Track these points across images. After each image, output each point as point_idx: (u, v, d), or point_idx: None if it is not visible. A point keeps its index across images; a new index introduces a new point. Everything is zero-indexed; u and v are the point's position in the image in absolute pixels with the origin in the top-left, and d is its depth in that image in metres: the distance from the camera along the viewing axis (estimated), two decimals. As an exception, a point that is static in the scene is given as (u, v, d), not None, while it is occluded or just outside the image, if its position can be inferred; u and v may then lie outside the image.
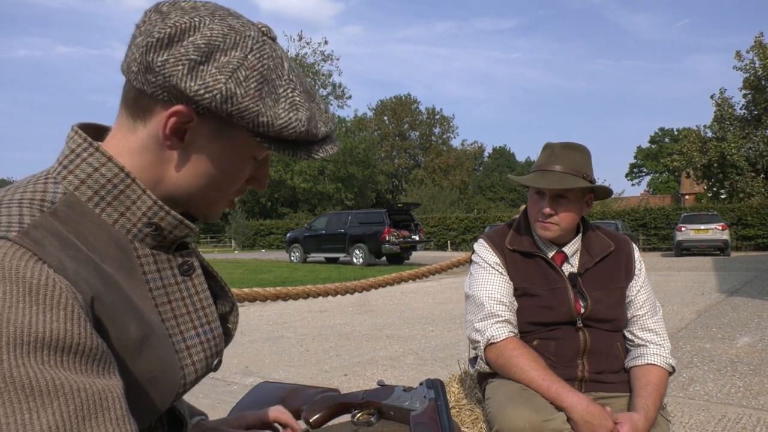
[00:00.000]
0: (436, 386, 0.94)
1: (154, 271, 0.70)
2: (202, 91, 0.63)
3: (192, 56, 0.62)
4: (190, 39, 0.63)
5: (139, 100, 0.66)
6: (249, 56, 0.65)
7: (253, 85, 0.65)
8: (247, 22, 0.68)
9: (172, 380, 0.68)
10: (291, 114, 0.67)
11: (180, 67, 0.62)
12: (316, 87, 44.28)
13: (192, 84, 0.63)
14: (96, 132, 0.72)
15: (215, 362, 0.77)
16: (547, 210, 1.56)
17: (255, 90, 0.65)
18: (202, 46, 0.63)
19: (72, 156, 0.67)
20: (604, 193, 1.67)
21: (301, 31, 75.63)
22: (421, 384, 0.97)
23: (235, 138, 0.69)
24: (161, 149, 0.68)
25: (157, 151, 0.68)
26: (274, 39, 0.70)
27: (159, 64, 0.62)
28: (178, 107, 0.64)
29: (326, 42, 60.67)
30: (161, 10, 0.65)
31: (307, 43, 53.85)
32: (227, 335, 0.83)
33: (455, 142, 61.97)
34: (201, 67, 0.63)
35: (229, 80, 0.63)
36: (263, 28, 0.70)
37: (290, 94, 0.68)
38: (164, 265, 0.72)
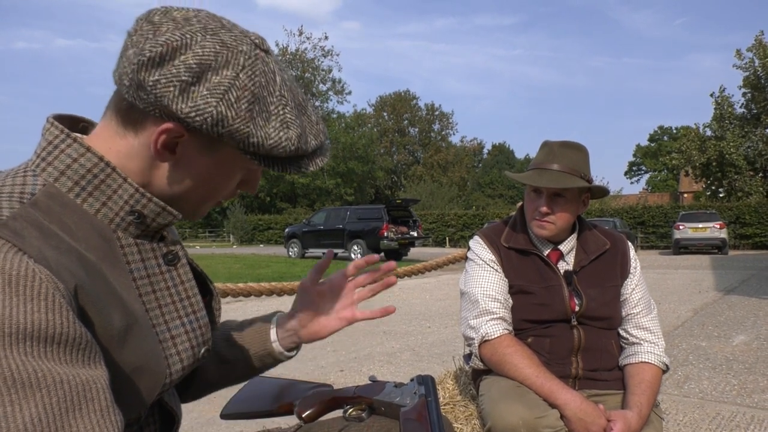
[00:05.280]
0: (426, 382, 0.94)
1: (138, 260, 0.70)
2: (193, 114, 0.63)
3: (183, 77, 0.62)
4: (182, 58, 0.62)
5: (130, 112, 0.66)
6: (240, 75, 0.64)
7: (244, 106, 0.64)
8: (240, 35, 0.67)
9: (156, 371, 0.68)
10: (281, 133, 0.67)
11: (171, 89, 0.62)
12: (316, 82, 44.20)
13: (183, 106, 0.63)
14: (71, 123, 0.72)
15: (202, 351, 0.77)
16: (544, 209, 1.55)
17: (246, 111, 0.65)
18: (194, 66, 0.62)
19: (50, 148, 0.66)
20: (601, 192, 1.67)
21: (302, 26, 75.49)
22: (412, 380, 0.97)
23: (225, 153, 0.69)
24: (151, 158, 0.68)
25: (146, 159, 0.68)
26: (267, 51, 0.69)
27: (150, 83, 0.62)
28: (169, 125, 0.65)
29: (326, 37, 60.66)
30: (153, 20, 0.65)
31: (308, 38, 53.58)
32: (212, 323, 0.83)
33: (454, 139, 62.08)
34: (192, 88, 0.62)
35: (220, 103, 0.63)
36: (257, 40, 0.68)
37: (281, 112, 0.68)
38: (148, 255, 0.72)
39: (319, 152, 0.74)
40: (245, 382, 1.13)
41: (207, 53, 0.63)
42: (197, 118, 0.63)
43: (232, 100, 0.64)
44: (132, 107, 0.66)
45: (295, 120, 0.69)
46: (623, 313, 1.60)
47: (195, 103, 0.63)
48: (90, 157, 0.66)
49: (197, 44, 0.63)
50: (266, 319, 0.96)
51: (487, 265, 1.61)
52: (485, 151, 61.08)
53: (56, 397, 0.51)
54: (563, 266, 1.60)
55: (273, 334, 0.93)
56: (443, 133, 56.10)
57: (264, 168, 0.71)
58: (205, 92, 0.63)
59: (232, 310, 7.16)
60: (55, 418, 0.50)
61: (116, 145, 0.68)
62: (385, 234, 16.60)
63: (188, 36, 0.63)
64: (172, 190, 0.71)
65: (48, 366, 0.51)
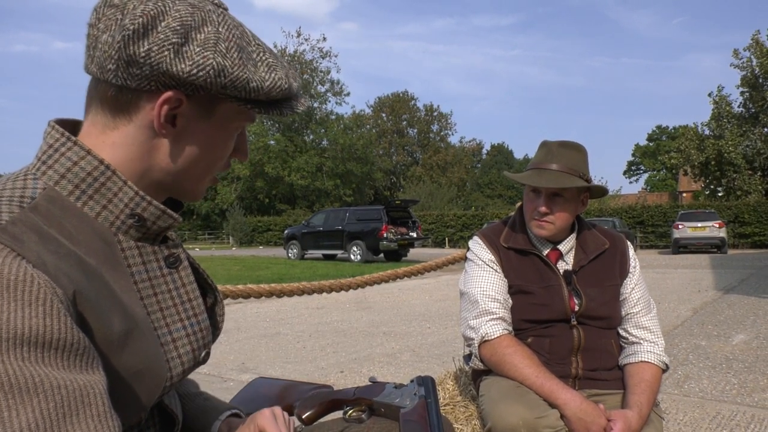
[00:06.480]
0: (426, 383, 0.94)
1: (139, 263, 0.70)
2: (195, 71, 0.64)
3: (173, 40, 0.63)
4: (163, 24, 0.63)
5: (120, 97, 0.66)
6: (220, 29, 0.67)
7: (235, 54, 0.66)
8: None
9: (157, 374, 0.68)
10: (273, 74, 0.69)
11: (166, 53, 0.63)
12: (314, 84, 44.23)
13: (183, 66, 0.64)
14: (73, 127, 0.72)
15: (203, 355, 0.77)
16: (543, 209, 1.55)
17: (238, 59, 0.67)
18: (178, 28, 0.63)
19: (50, 151, 0.66)
20: (600, 192, 1.67)
21: (300, 28, 75.38)
22: (411, 381, 0.97)
23: (221, 113, 0.71)
24: (150, 139, 0.68)
25: (144, 142, 0.68)
26: (227, 9, 0.72)
27: (143, 55, 0.62)
28: (169, 93, 0.65)
29: (324, 39, 60.55)
30: (114, 3, 0.65)
31: (306, 40, 53.52)
32: (215, 328, 0.82)
33: (453, 140, 62.27)
34: (184, 48, 0.64)
35: (216, 54, 0.65)
36: (215, 0, 0.71)
37: (263, 57, 0.70)
38: (149, 258, 0.71)
39: (300, 93, 0.76)
40: (246, 384, 1.13)
41: (184, 15, 0.64)
42: (200, 73, 0.64)
43: (224, 50, 0.66)
44: (121, 91, 0.65)
45: (277, 62, 0.71)
46: (623, 313, 1.60)
47: (193, 60, 0.64)
48: (90, 160, 0.66)
49: (172, 9, 0.64)
50: (217, 409, 0.90)
51: (487, 265, 1.61)
52: (484, 151, 61.15)
53: (53, 402, 0.50)
54: (562, 266, 1.60)
55: (215, 426, 0.87)
56: (442, 133, 56.14)
57: (264, 115, 0.73)
58: (198, 48, 0.64)
59: (231, 312, 7.16)
60: (52, 423, 0.50)
61: (109, 138, 0.68)
62: (385, 235, 16.60)
63: (160, 3, 0.64)
64: (175, 167, 0.71)
65: (45, 371, 0.51)
